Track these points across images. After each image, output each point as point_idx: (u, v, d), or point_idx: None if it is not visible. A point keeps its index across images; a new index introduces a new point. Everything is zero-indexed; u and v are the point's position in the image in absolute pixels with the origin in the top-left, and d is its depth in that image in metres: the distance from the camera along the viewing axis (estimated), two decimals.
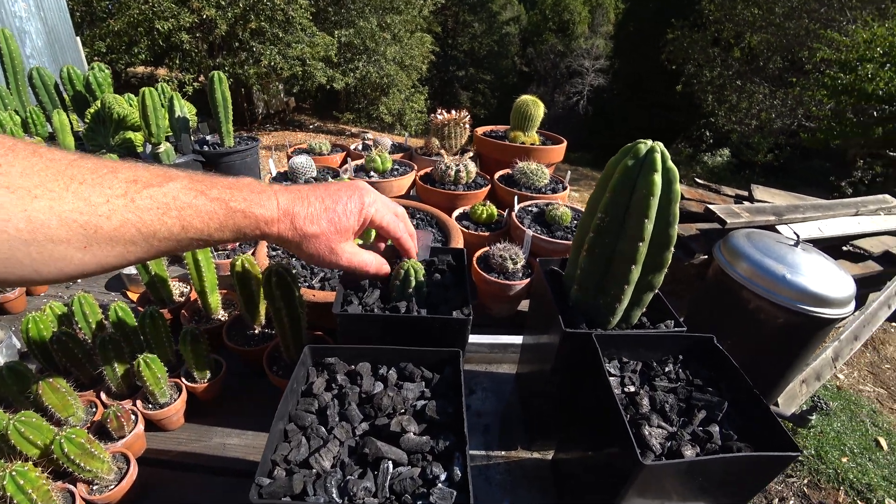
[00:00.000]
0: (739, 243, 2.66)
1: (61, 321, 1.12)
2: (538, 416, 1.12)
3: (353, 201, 0.70)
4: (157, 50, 7.99)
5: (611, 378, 0.82)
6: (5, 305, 1.52)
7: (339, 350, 0.75)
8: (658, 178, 0.75)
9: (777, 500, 2.53)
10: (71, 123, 2.07)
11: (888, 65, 6.49)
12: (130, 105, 2.12)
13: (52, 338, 0.98)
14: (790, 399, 2.87)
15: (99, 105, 2.06)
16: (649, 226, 0.78)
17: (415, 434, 0.63)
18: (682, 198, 4.96)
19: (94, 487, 0.87)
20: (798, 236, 2.51)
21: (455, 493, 0.55)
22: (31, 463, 0.75)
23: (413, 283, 0.91)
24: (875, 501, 2.50)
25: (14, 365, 0.93)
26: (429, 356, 0.76)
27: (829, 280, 2.27)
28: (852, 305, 2.36)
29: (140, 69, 10.07)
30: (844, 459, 2.74)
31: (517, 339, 1.33)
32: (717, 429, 0.75)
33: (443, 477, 0.57)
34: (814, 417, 2.76)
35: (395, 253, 0.92)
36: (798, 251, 2.45)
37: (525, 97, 2.26)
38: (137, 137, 2.08)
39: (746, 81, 10.83)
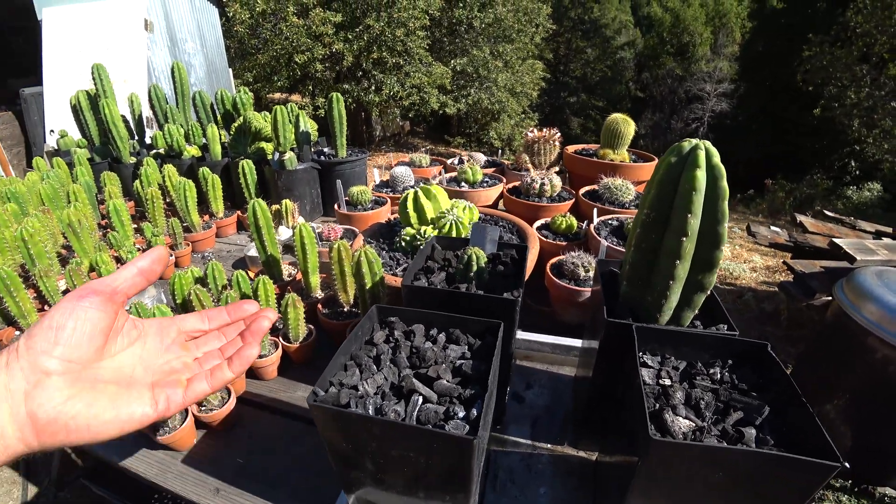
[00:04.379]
0: (867, 282, 2.37)
1: (197, 281, 1.41)
2: (588, 416, 1.15)
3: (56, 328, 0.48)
4: (294, 78, 9.15)
5: (646, 369, 0.85)
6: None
7: (400, 311, 0.88)
8: (701, 174, 0.78)
9: None
10: (220, 135, 2.52)
11: None
12: (265, 121, 2.52)
13: (189, 292, 1.24)
14: None
15: (241, 120, 2.49)
16: (693, 221, 0.81)
17: (448, 382, 0.73)
18: (807, 231, 4.47)
19: (203, 408, 1.10)
20: None
21: (467, 427, 0.64)
22: None
23: (475, 268, 1.03)
24: None
25: (161, 306, 1.21)
26: (474, 325, 0.86)
27: None
28: None
29: (277, 95, 11.54)
30: None
31: (579, 342, 1.37)
32: (753, 432, 0.74)
33: (461, 415, 0.67)
34: None
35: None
36: None
37: (616, 115, 2.28)
38: (268, 147, 2.46)
39: None
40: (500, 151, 13.57)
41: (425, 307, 0.98)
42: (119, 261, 1.91)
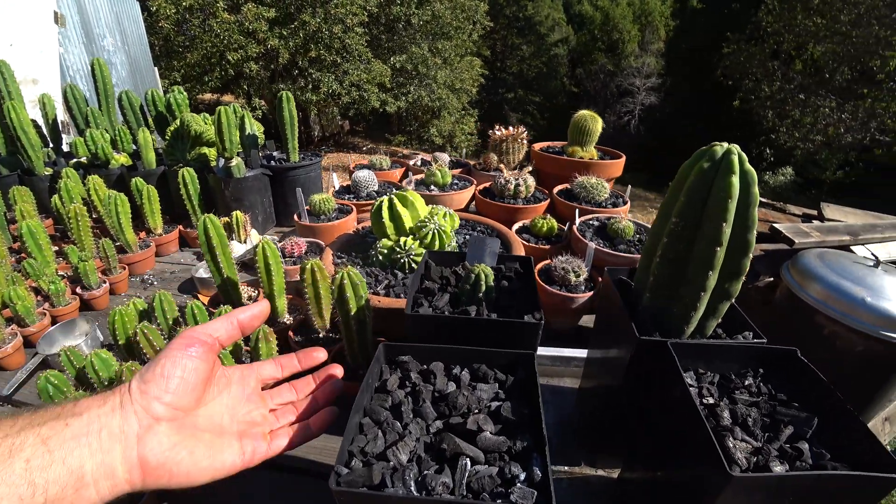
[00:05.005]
0: (811, 264, 2.49)
1: (142, 316, 1.21)
2: (603, 432, 1.08)
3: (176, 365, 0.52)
4: (226, 78, 8.59)
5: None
6: (91, 302, 1.66)
7: (412, 349, 0.76)
8: (736, 180, 0.73)
9: None
10: (153, 141, 2.25)
11: None
12: (206, 123, 2.27)
13: (135, 331, 1.05)
14: None
15: (178, 123, 2.23)
16: (727, 230, 0.76)
17: (491, 433, 0.62)
18: None
19: None
20: (877, 258, 2.33)
21: (536, 494, 0.54)
22: None
23: (483, 288, 0.92)
24: None
25: (100, 353, 1.01)
26: (501, 358, 0.75)
27: None
28: None
29: (208, 96, 10.83)
30: None
31: (581, 353, 1.31)
32: (807, 446, 0.70)
33: (522, 477, 0.56)
34: None
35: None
36: (879, 273, 2.25)
37: (583, 112, 2.26)
38: (211, 152, 2.22)
39: (810, 95, 10.24)
40: (442, 149, 13.56)
41: (431, 337, 0.86)
42: (38, 292, 1.63)
